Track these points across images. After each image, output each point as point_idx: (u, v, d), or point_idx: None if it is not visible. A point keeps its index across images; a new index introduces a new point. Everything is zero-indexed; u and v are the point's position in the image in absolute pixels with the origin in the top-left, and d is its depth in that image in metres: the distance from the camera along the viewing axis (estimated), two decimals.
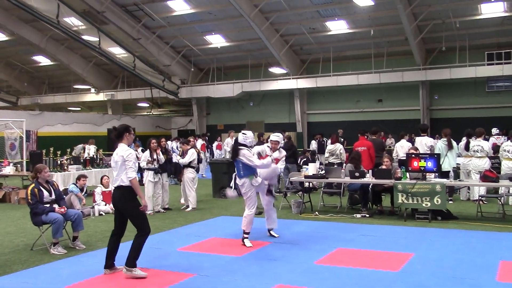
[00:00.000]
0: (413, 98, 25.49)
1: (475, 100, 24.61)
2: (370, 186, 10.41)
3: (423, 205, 9.32)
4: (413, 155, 9.81)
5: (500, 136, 15.39)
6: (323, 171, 10.85)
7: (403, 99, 25.92)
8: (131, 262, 6.05)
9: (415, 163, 9.59)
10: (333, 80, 25.78)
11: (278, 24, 24.20)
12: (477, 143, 11.65)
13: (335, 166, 12.26)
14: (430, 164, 9.49)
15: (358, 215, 10.11)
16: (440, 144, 12.03)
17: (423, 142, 12.30)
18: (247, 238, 7.73)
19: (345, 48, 25.78)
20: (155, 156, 10.96)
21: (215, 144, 22.48)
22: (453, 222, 9.27)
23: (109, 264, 6.26)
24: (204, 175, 18.06)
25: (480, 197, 10.40)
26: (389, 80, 24.73)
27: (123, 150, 6.14)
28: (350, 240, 7.97)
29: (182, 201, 11.95)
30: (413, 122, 24.31)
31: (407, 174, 9.88)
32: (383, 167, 10.57)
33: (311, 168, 10.89)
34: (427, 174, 9.63)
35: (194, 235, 8.54)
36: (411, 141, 14.25)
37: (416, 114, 25.33)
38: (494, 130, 16.33)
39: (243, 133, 7.87)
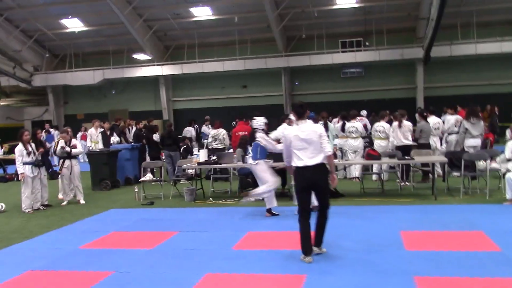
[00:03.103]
0: (276, 84, 26.42)
1: (332, 85, 26.28)
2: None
3: None
4: None
5: (363, 118, 16.62)
6: (215, 157, 10.79)
7: (267, 85, 26.77)
8: None
9: None
10: (198, 66, 25.70)
11: (141, 9, 23.42)
12: (351, 124, 12.51)
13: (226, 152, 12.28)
14: None
15: (252, 199, 10.24)
16: None
17: None
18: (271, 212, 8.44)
19: (210, 35, 25.79)
20: (30, 149, 9.99)
21: (79, 135, 21.14)
22: (342, 200, 9.83)
23: None
24: None
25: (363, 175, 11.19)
26: (253, 67, 25.34)
27: None
28: (256, 223, 8.07)
29: (60, 196, 11.13)
30: (277, 107, 25.28)
31: None
32: None
33: (202, 155, 10.78)
34: None
35: (92, 231, 7.97)
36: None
37: (279, 100, 26.34)
38: (363, 112, 17.59)
39: (254, 119, 8.80)
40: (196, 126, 19.05)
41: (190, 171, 11.91)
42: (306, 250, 5.81)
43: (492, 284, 4.86)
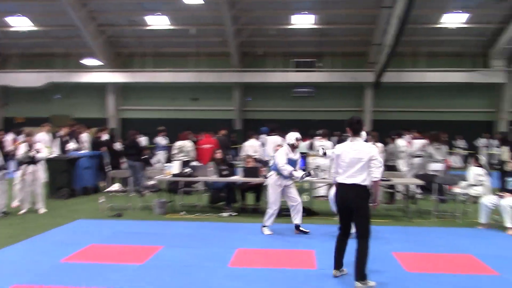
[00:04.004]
0: (227, 98, 26.30)
1: (283, 103, 26.47)
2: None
3: None
4: None
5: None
6: (189, 169, 10.47)
7: (218, 99, 26.57)
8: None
9: None
10: (150, 76, 25.12)
11: (96, 13, 22.66)
12: (320, 143, 12.60)
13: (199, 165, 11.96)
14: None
15: (225, 214, 10.04)
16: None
17: (273, 141, 12.90)
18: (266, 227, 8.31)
19: (165, 44, 25.31)
20: None
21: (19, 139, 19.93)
22: (316, 218, 9.78)
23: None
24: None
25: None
26: (206, 80, 25.10)
27: None
28: (241, 239, 7.86)
29: (16, 203, 10.39)
30: (228, 122, 25.18)
31: None
32: (249, 165, 10.67)
33: (176, 167, 10.45)
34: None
35: (67, 243, 7.46)
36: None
37: (231, 114, 26.22)
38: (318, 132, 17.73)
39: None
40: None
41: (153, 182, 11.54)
42: (334, 263, 5.86)
43: None
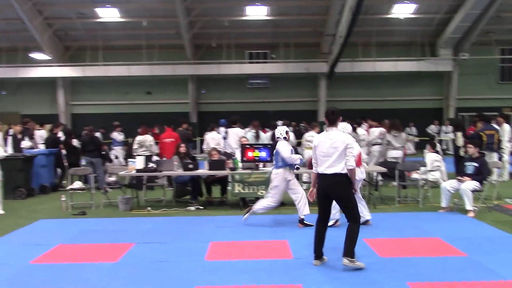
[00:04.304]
0: (182, 91, 26.03)
1: (238, 95, 26.46)
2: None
3: (258, 193, 9.70)
4: (247, 146, 10.11)
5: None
6: (153, 164, 10.31)
7: (173, 92, 26.25)
8: None
9: (250, 154, 9.92)
10: (102, 70, 24.53)
11: (42, 5, 21.86)
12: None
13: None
14: (264, 154, 9.93)
15: (192, 208, 9.97)
16: (249, 135, 12.69)
17: (235, 133, 12.88)
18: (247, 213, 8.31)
19: (116, 37, 24.70)
20: None
21: None
22: (284, 208, 9.86)
23: None
24: None
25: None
26: (160, 73, 24.74)
27: None
28: (212, 232, 7.82)
29: None
30: (183, 115, 24.91)
31: (240, 164, 10.15)
32: (214, 158, 10.62)
33: (140, 162, 10.26)
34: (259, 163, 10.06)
35: (33, 244, 7.22)
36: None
37: (186, 107, 25.99)
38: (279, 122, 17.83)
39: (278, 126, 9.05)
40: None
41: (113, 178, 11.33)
42: (314, 252, 5.94)
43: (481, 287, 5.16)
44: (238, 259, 6.31)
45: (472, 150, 9.31)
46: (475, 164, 9.07)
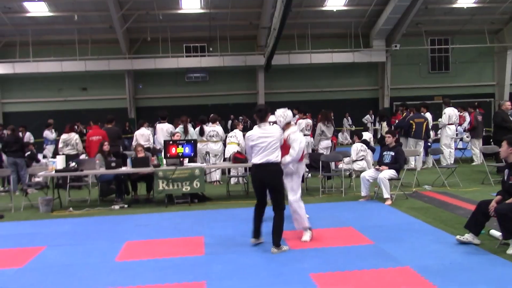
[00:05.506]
0: (119, 87, 25.53)
1: (176, 89, 26.24)
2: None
3: (183, 189, 9.67)
4: (170, 142, 10.03)
5: None
6: (74, 164, 10.05)
7: (109, 88, 25.71)
8: None
9: (173, 150, 9.84)
10: (33, 66, 23.66)
11: None
12: (212, 128, 12.65)
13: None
14: (187, 150, 9.88)
15: (116, 206, 9.80)
16: (179, 129, 12.58)
17: (164, 129, 12.78)
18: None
19: (47, 32, 23.85)
20: None
21: None
22: (210, 203, 9.89)
23: None
24: None
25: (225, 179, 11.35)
26: (95, 68, 24.14)
27: None
28: (130, 231, 7.72)
29: None
30: (121, 110, 24.50)
31: (164, 161, 10.06)
32: (139, 155, 10.48)
33: (60, 162, 9.99)
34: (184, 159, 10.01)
35: None
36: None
37: (123, 103, 25.53)
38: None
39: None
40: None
41: (38, 179, 11.01)
42: (252, 232, 6.56)
43: (376, 274, 5.32)
44: (149, 258, 6.24)
45: (389, 139, 9.59)
46: (392, 153, 9.36)
